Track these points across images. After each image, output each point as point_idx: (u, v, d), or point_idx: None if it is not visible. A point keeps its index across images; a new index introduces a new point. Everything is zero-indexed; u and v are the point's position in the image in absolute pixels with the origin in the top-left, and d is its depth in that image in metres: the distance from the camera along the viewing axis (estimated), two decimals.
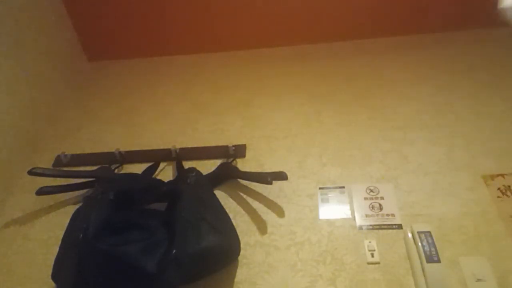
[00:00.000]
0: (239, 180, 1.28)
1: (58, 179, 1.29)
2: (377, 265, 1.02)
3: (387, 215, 1.13)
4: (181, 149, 1.38)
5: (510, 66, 1.54)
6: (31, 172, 1.20)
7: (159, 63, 1.86)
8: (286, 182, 1.24)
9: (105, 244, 0.92)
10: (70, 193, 1.28)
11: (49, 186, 1.26)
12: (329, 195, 1.20)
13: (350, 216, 1.14)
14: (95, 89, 1.77)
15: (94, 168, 1.34)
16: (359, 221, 1.12)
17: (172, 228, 0.96)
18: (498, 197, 1.12)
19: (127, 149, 1.41)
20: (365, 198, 1.18)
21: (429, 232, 1.01)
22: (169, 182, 1.23)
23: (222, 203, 1.14)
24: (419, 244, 0.99)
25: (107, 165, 1.36)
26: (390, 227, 1.10)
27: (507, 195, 1.12)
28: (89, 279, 0.92)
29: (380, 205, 1.15)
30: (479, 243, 1.03)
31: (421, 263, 0.97)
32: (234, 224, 1.10)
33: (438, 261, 0.95)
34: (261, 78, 1.69)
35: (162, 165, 1.36)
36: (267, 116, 1.50)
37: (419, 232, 1.01)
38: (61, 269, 1.00)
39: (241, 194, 1.25)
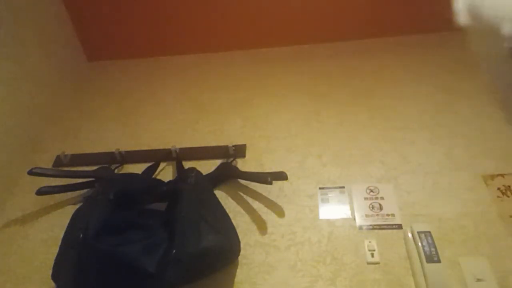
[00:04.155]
0: (239, 180, 1.28)
1: (58, 179, 1.28)
2: (377, 265, 1.02)
3: (387, 215, 1.13)
4: (181, 149, 1.38)
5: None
6: (31, 172, 1.20)
7: (159, 63, 1.86)
8: (286, 182, 1.24)
9: (105, 244, 0.92)
10: (70, 193, 1.28)
11: (49, 186, 1.26)
12: (329, 195, 1.20)
13: (350, 216, 1.14)
14: (95, 89, 1.77)
15: (94, 168, 1.34)
16: (359, 221, 1.12)
17: (172, 228, 0.96)
18: (498, 197, 1.12)
19: (127, 149, 1.41)
20: (365, 198, 1.18)
21: (429, 232, 1.01)
22: (169, 182, 1.23)
23: (222, 203, 1.14)
24: (419, 244, 0.99)
25: (107, 165, 1.36)
26: (390, 227, 1.10)
27: (507, 195, 1.12)
28: (89, 279, 0.92)
29: (380, 205, 1.15)
30: (479, 243, 1.03)
31: (421, 263, 0.97)
32: (234, 224, 1.10)
33: (438, 261, 0.95)
34: (261, 78, 1.69)
35: (162, 165, 1.36)
36: (267, 116, 1.50)
37: (419, 232, 1.01)
38: (61, 269, 1.00)
39: (241, 194, 1.25)
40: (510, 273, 0.97)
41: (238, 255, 1.07)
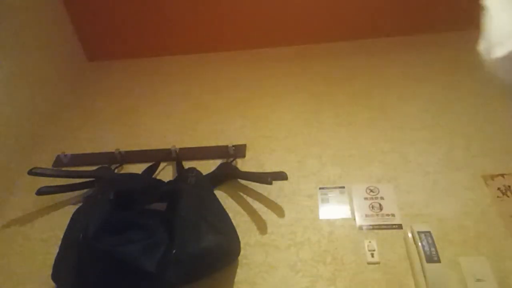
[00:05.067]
0: (239, 180, 1.28)
1: (58, 179, 1.29)
2: (377, 265, 1.02)
3: (387, 215, 1.13)
4: (181, 149, 1.38)
5: None
6: (31, 172, 1.20)
7: (159, 63, 1.86)
8: (286, 182, 1.24)
9: (105, 244, 0.92)
10: (70, 193, 1.28)
11: (49, 186, 1.26)
12: (329, 195, 1.20)
13: (350, 216, 1.14)
14: (95, 89, 1.77)
15: (94, 168, 1.34)
16: (359, 221, 1.12)
17: (172, 228, 0.96)
18: (498, 197, 1.12)
19: (127, 149, 1.41)
20: (365, 198, 1.18)
21: (429, 232, 1.01)
22: (169, 182, 1.23)
23: (222, 203, 1.14)
24: (419, 244, 0.99)
25: (107, 165, 1.36)
26: (390, 227, 1.10)
27: (507, 195, 1.12)
28: (89, 279, 0.92)
29: (380, 205, 1.15)
30: (479, 243, 1.03)
31: (421, 263, 0.96)
32: (234, 224, 1.10)
33: (438, 261, 0.95)
34: (261, 78, 1.69)
35: (162, 165, 1.36)
36: (267, 116, 1.50)
37: (419, 232, 1.01)
38: (61, 269, 1.00)
39: (241, 194, 1.25)
40: (510, 273, 0.97)
41: (238, 255, 1.07)
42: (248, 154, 1.37)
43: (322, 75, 1.65)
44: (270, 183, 1.14)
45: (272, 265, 1.06)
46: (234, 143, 1.37)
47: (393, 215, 1.13)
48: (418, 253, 0.98)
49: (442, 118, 1.38)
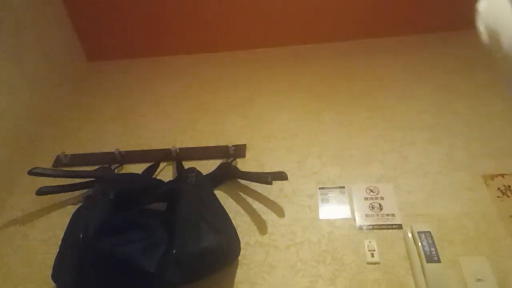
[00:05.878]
0: (239, 180, 1.28)
1: (58, 179, 1.29)
2: (377, 265, 1.02)
3: (387, 215, 1.13)
4: (181, 149, 1.38)
5: None
6: (31, 172, 1.20)
7: (159, 63, 1.86)
8: (286, 182, 1.24)
9: (105, 244, 0.92)
10: (70, 193, 1.28)
11: (49, 186, 1.26)
12: (329, 195, 1.20)
13: (350, 216, 1.14)
14: (95, 89, 1.77)
15: (94, 168, 1.34)
16: (359, 221, 1.12)
17: (172, 228, 0.96)
18: (498, 197, 1.12)
19: (127, 149, 1.41)
20: (365, 198, 1.18)
21: (429, 232, 1.01)
22: (169, 182, 1.23)
23: (222, 203, 1.14)
24: (419, 244, 0.99)
25: (107, 165, 1.36)
26: (390, 227, 1.10)
27: (507, 195, 1.12)
28: (89, 279, 0.92)
29: (380, 205, 1.15)
30: (479, 243, 1.03)
31: (421, 263, 0.97)
32: (234, 224, 1.10)
33: (438, 261, 0.95)
34: (261, 78, 1.69)
35: (162, 165, 1.36)
36: (267, 116, 1.50)
37: (419, 232, 1.01)
38: (61, 269, 1.00)
39: (241, 194, 1.25)
40: (510, 273, 0.97)
41: (238, 255, 1.07)
42: (248, 154, 1.37)
43: (322, 75, 1.65)
44: (270, 183, 1.14)
45: (272, 265, 1.06)
46: (234, 143, 1.37)
47: (393, 215, 1.13)
48: (418, 253, 0.98)
49: (442, 118, 1.38)
